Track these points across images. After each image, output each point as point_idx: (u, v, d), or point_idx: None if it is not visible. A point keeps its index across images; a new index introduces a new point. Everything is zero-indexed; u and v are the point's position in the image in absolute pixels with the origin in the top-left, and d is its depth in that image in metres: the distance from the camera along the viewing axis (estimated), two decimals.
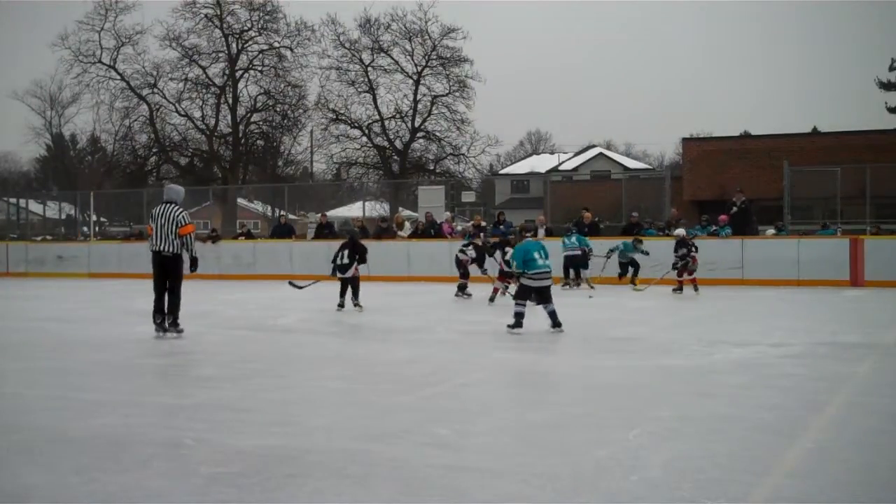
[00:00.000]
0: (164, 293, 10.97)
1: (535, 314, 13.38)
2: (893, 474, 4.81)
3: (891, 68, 48.42)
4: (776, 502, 4.36)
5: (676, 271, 16.98)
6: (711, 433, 5.70)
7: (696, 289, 16.91)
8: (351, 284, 14.40)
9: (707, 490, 4.46)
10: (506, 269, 14.38)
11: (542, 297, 11.34)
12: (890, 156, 28.63)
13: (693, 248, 16.95)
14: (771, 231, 22.19)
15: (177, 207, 10.94)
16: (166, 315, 10.91)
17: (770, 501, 4.36)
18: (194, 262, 10.99)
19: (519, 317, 11.18)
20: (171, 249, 10.84)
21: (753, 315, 13.60)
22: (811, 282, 18.40)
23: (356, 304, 14.31)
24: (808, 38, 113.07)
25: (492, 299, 15.28)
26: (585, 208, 23.07)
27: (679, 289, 16.98)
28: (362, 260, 14.52)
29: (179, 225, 10.81)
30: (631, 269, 18.94)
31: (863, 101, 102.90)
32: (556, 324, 11.18)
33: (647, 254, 18.72)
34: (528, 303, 11.31)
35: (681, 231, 17.74)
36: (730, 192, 21.92)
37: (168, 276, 10.95)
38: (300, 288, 15.99)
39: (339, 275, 14.47)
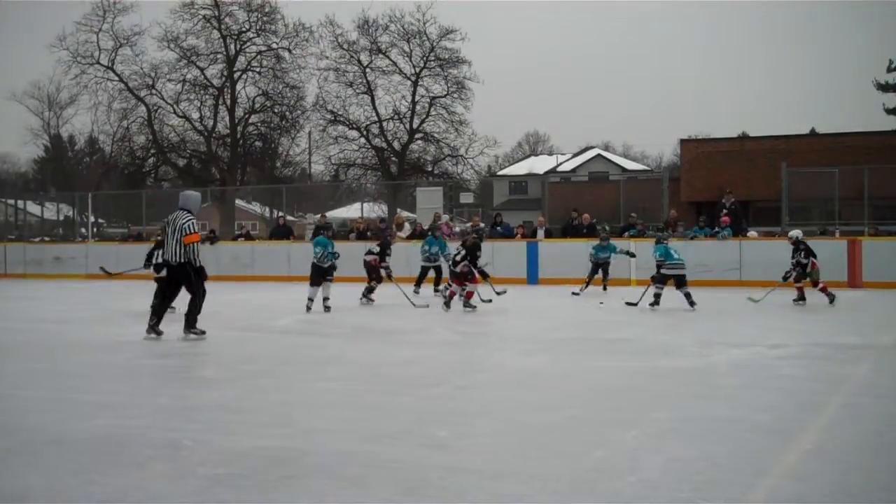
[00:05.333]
0: (164, 297, 10.92)
1: (529, 315, 13.40)
2: (892, 476, 4.82)
3: (888, 69, 48.47)
4: (774, 503, 4.37)
5: (793, 277, 15.33)
6: (709, 434, 5.71)
7: (829, 297, 15.14)
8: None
9: (705, 491, 4.47)
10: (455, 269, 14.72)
11: (677, 282, 14.63)
12: (888, 157, 28.62)
13: (801, 252, 15.24)
14: (752, 233, 21.95)
15: (186, 215, 10.74)
16: (185, 319, 10.76)
17: (767, 503, 4.37)
18: (199, 272, 10.76)
19: (657, 297, 14.49)
20: (176, 258, 10.69)
21: (751, 316, 13.60)
22: (809, 283, 18.38)
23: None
24: (806, 39, 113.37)
25: (447, 304, 14.74)
26: (575, 209, 23.13)
27: (799, 298, 15.28)
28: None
29: (184, 233, 10.63)
30: (601, 272, 18.05)
31: (861, 102, 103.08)
32: (690, 303, 14.18)
33: (632, 255, 18.36)
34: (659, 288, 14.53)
35: (796, 233, 15.85)
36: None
37: (180, 284, 10.80)
38: (111, 274, 18.18)
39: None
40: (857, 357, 9.25)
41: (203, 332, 10.77)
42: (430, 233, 18.59)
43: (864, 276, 18.80)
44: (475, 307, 14.36)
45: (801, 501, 4.35)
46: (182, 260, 10.66)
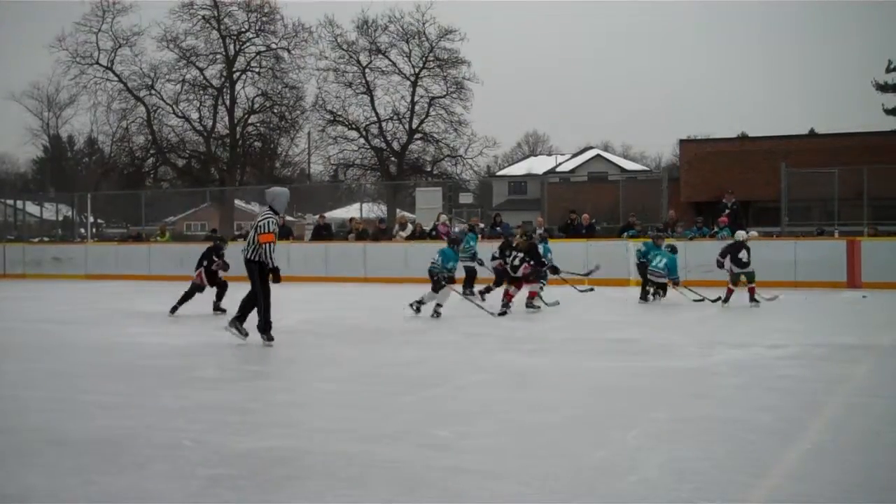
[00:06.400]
0: (254, 294, 10.39)
1: (529, 315, 13.40)
2: (892, 475, 4.82)
3: (888, 70, 48.55)
4: (773, 503, 4.37)
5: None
6: (709, 434, 5.72)
7: (752, 299, 14.96)
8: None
9: (704, 491, 4.47)
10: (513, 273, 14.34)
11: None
12: (887, 157, 28.69)
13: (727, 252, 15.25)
14: (753, 233, 21.77)
15: (267, 212, 10.39)
16: (258, 322, 10.32)
17: (767, 502, 4.37)
18: (275, 273, 10.37)
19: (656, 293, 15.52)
20: (248, 255, 10.33)
21: (750, 317, 13.63)
22: (808, 283, 18.41)
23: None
24: (806, 39, 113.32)
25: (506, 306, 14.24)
26: (573, 210, 23.16)
27: (725, 299, 15.01)
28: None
29: (259, 231, 10.25)
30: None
31: (860, 102, 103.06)
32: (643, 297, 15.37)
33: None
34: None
35: (741, 234, 15.71)
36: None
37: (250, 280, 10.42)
38: None
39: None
40: (856, 357, 9.26)
41: (271, 339, 10.27)
42: (468, 230, 18.15)
43: (863, 276, 18.79)
44: (539, 307, 14.23)
45: (801, 501, 4.36)
46: (252, 257, 10.28)
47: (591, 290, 15.43)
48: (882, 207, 25.89)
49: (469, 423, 6.13)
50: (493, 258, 15.69)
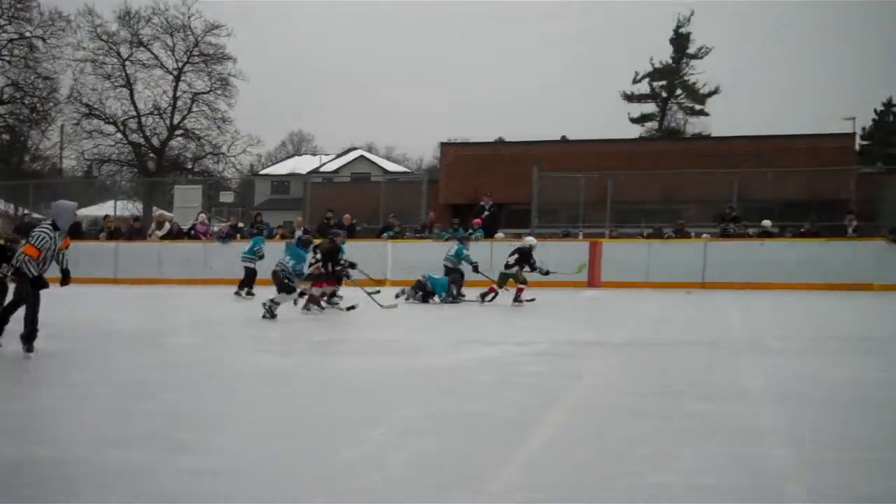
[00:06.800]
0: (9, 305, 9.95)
1: (287, 316, 13.38)
2: (621, 464, 5.09)
3: (634, 81, 51.87)
4: (512, 494, 4.57)
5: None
6: (454, 430, 5.94)
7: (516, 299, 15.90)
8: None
9: (446, 486, 4.64)
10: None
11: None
12: (630, 163, 30.46)
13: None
14: (500, 234, 22.79)
15: (46, 226, 9.75)
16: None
17: (504, 496, 4.55)
18: (35, 283, 9.52)
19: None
20: (14, 261, 9.67)
21: (500, 315, 14.21)
22: (554, 283, 19.33)
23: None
24: (559, 49, 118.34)
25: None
26: (330, 209, 23.28)
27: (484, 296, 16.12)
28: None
29: (27, 241, 9.65)
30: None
31: (609, 111, 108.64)
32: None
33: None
34: None
35: (529, 240, 16.72)
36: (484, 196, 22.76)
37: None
38: None
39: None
40: (594, 353, 9.87)
41: (31, 350, 9.39)
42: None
43: (602, 276, 20.00)
44: (310, 310, 14.12)
45: (539, 490, 4.60)
46: (17, 265, 9.58)
47: (378, 291, 15.70)
48: (623, 211, 27.48)
49: (217, 424, 6.09)
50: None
